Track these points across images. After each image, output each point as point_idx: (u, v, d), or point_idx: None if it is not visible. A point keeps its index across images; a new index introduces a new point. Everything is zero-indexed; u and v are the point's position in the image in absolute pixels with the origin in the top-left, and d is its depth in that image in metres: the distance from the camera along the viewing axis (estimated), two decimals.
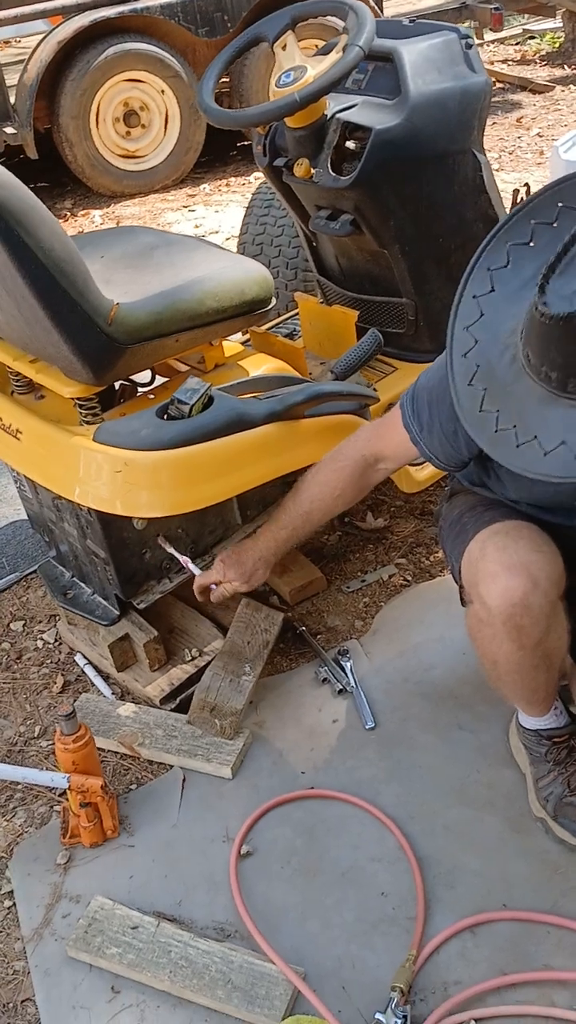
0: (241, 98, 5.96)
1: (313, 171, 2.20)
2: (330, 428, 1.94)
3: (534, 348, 1.31)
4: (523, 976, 1.55)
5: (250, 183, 5.95)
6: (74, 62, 5.47)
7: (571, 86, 7.40)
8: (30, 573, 2.62)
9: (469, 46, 2.21)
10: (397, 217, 2.23)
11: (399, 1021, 1.47)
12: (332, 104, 2.21)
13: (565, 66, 8.11)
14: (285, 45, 2.18)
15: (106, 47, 5.46)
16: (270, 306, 2.04)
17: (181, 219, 5.47)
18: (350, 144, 2.17)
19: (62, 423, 1.95)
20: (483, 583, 1.54)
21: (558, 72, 7.97)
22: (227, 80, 6.04)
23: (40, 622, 2.46)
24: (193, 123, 5.86)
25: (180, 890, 1.75)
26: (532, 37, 9.21)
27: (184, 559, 2.00)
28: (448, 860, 1.75)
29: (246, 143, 6.51)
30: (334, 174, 2.17)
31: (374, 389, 2.30)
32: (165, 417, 1.80)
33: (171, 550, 1.98)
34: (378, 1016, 1.49)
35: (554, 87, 7.34)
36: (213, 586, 2.00)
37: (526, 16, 9.38)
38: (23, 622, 2.46)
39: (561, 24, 8.68)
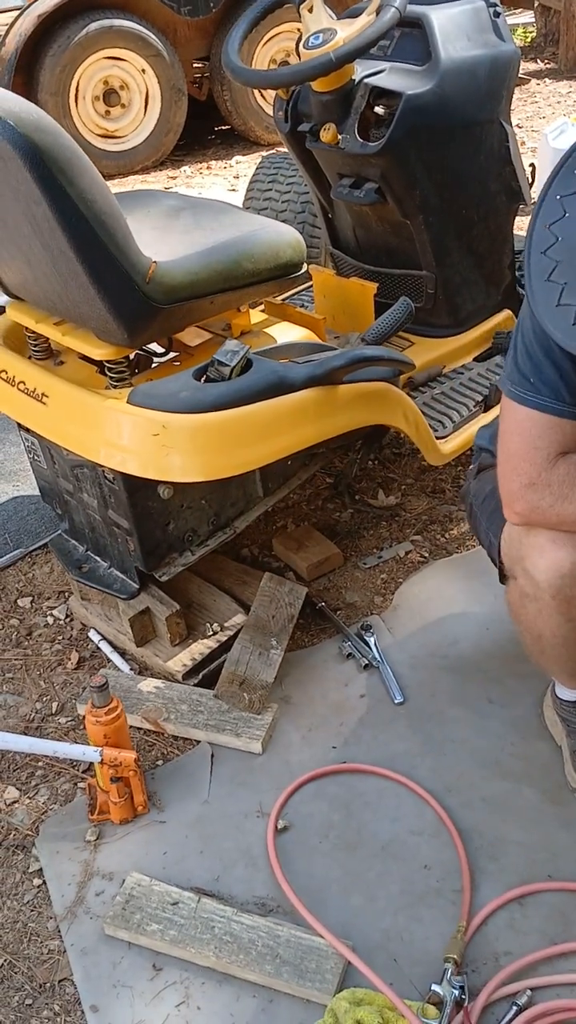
0: (222, 80, 5.89)
1: (340, 137, 2.16)
2: (367, 394, 1.90)
3: None
4: (573, 946, 1.53)
5: (231, 166, 5.89)
6: (54, 37, 5.36)
7: (546, 79, 7.46)
8: (35, 549, 2.54)
9: (497, 14, 2.19)
10: (422, 186, 2.20)
11: (456, 991, 1.45)
12: (359, 69, 2.17)
13: (538, 60, 8.18)
14: (311, 7, 2.13)
15: (87, 22, 5.36)
16: (303, 270, 2.00)
17: None
18: (378, 110, 2.14)
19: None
20: (528, 557, 1.51)
21: (532, 66, 8.03)
22: (201, 65, 5.97)
23: (48, 598, 2.39)
24: (174, 104, 5.78)
25: (217, 866, 1.71)
26: None
27: None
28: (489, 832, 1.72)
29: (225, 127, 6.44)
30: (361, 140, 2.13)
31: None
32: (203, 380, 1.74)
33: None
34: (434, 987, 1.46)
35: (529, 80, 7.39)
36: None
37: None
38: (31, 598, 2.39)
39: (533, 19, 8.75)
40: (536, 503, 1.45)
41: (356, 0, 6.01)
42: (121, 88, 5.68)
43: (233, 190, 5.38)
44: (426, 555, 2.43)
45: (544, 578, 1.47)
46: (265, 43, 5.76)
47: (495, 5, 2.19)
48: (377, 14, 1.98)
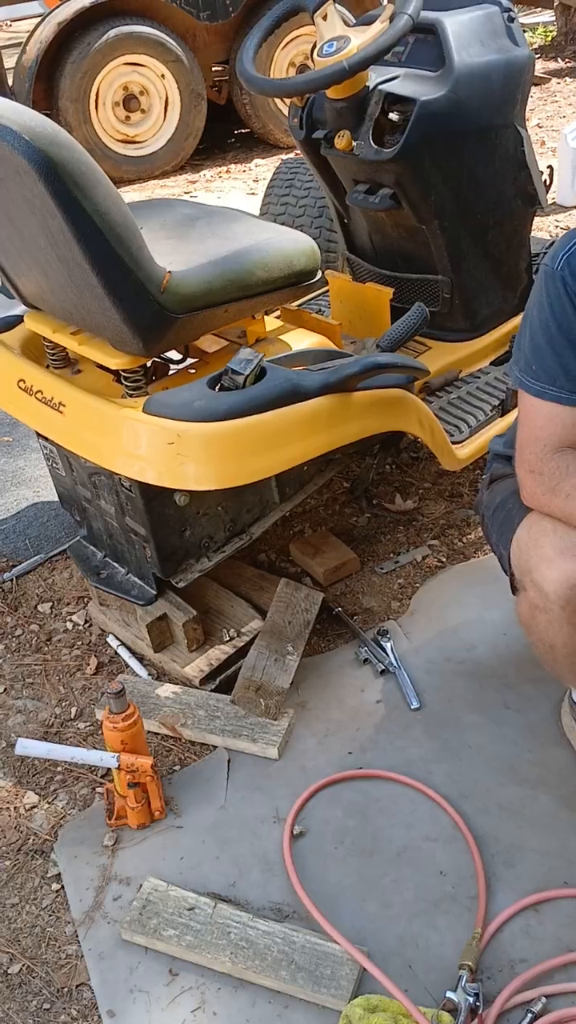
0: (241, 84, 5.90)
1: (354, 143, 2.17)
2: (381, 401, 1.90)
3: None
4: None
5: (250, 170, 5.91)
6: (74, 44, 5.40)
7: (566, 78, 7.41)
8: (55, 555, 2.57)
9: (511, 19, 2.19)
10: (438, 191, 2.20)
11: (471, 999, 1.45)
12: (373, 76, 2.18)
13: (559, 59, 8.12)
14: (326, 15, 2.14)
15: (107, 29, 5.40)
16: (317, 277, 2.01)
17: None
18: (392, 116, 2.14)
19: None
20: (537, 569, 1.51)
21: (552, 65, 7.97)
22: (220, 69, 5.99)
23: (68, 604, 2.41)
24: (193, 109, 5.80)
25: (233, 871, 1.72)
26: (524, 30, 9.22)
27: None
28: (505, 838, 1.72)
29: (244, 130, 6.46)
30: (376, 146, 2.14)
31: None
32: (217, 388, 1.76)
33: None
34: (449, 994, 1.46)
35: (550, 79, 7.34)
36: None
37: (518, 8, 9.39)
38: (51, 604, 2.41)
39: (554, 18, 8.69)
40: (532, 489, 1.52)
41: (374, 3, 6.01)
42: (141, 93, 5.71)
43: (252, 193, 5.39)
44: (443, 560, 2.43)
45: (553, 589, 1.47)
46: (285, 46, 5.77)
47: (509, 10, 2.19)
48: (390, 21, 1.98)
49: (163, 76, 5.66)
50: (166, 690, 2.04)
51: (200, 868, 1.73)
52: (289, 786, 1.86)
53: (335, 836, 1.76)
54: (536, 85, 7.24)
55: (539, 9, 9.03)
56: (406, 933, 1.59)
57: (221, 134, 6.47)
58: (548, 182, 2.88)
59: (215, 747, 1.95)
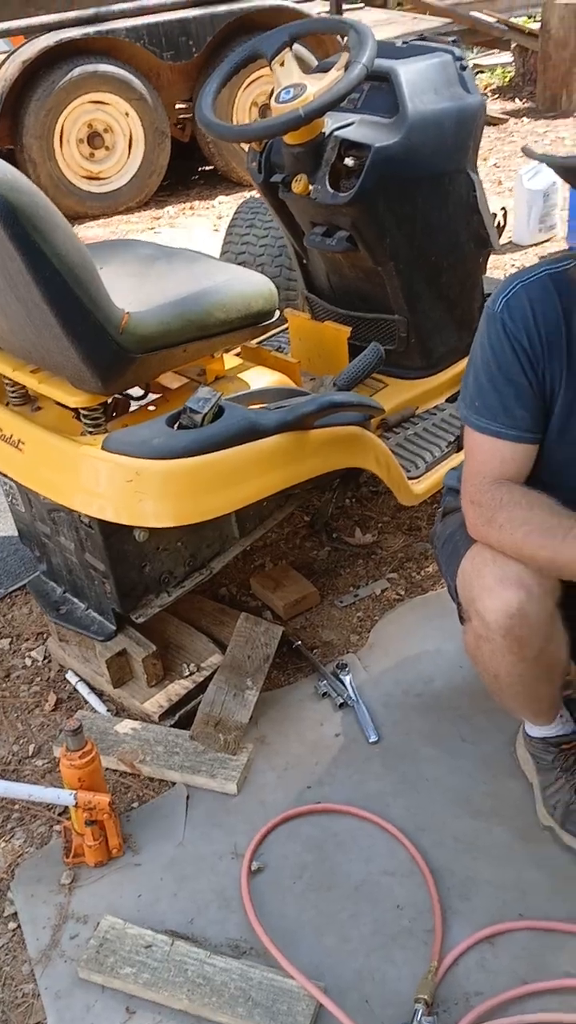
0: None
1: (311, 187, 2.22)
2: (338, 439, 1.94)
3: None
4: (544, 985, 1.55)
5: (214, 207, 5.97)
6: (38, 82, 5.44)
7: (524, 118, 7.59)
8: (15, 590, 2.56)
9: (463, 67, 2.26)
10: (392, 235, 2.26)
11: None
12: (329, 122, 2.23)
13: (517, 99, 8.33)
14: (283, 62, 2.20)
15: (71, 68, 5.45)
16: (274, 318, 2.05)
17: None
18: (348, 161, 2.19)
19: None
20: (479, 599, 1.55)
21: (510, 105, 8.17)
22: (184, 107, 6.07)
23: (27, 639, 2.41)
24: (157, 146, 5.86)
25: (191, 908, 1.72)
26: (482, 71, 9.45)
27: None
28: (461, 871, 1.74)
29: (208, 168, 6.53)
30: (332, 190, 2.19)
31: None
32: (176, 427, 1.78)
33: None
34: None
35: (508, 119, 7.52)
36: None
37: (476, 50, 9.63)
38: (9, 640, 2.41)
39: (512, 59, 8.92)
40: (474, 521, 1.56)
41: (335, 45, 6.13)
42: (105, 131, 5.76)
43: (216, 230, 5.45)
44: (402, 593, 2.46)
45: (494, 619, 1.50)
46: (247, 87, 5.86)
47: (461, 58, 2.27)
48: (345, 70, 2.04)
49: (127, 114, 5.72)
50: (125, 726, 2.05)
51: (158, 905, 1.73)
52: (248, 821, 1.86)
53: (293, 871, 1.77)
54: (494, 125, 7.42)
55: (497, 51, 9.27)
56: (363, 967, 1.60)
57: (185, 171, 6.54)
58: (502, 224, 2.96)
59: (174, 783, 1.95)
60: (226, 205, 5.94)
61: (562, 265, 1.49)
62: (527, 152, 1.43)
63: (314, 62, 5.46)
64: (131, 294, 1.88)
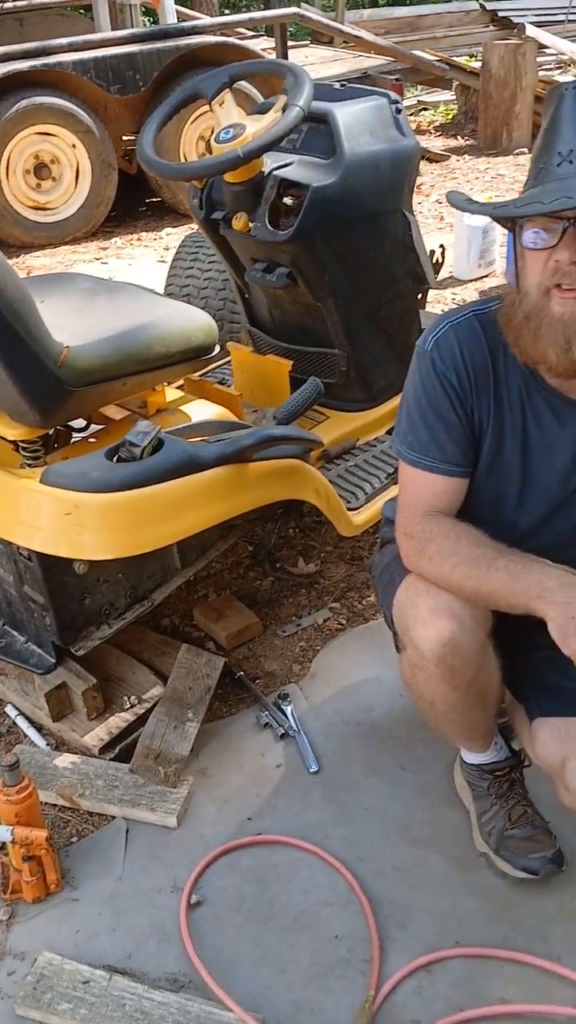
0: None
1: (251, 225, 2.26)
2: (277, 471, 1.97)
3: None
4: (479, 1012, 1.56)
5: (161, 238, 6.02)
6: None
7: (465, 156, 7.78)
8: None
9: (399, 111, 2.32)
10: (331, 271, 2.30)
11: None
12: (269, 161, 2.28)
13: (458, 137, 8.53)
14: (223, 102, 2.24)
15: (18, 99, 5.48)
16: (214, 352, 2.08)
17: (93, 272, 5.46)
18: (287, 200, 2.24)
19: None
20: (413, 628, 1.58)
21: (452, 143, 8.37)
22: (132, 138, 6.13)
23: None
24: (104, 178, 5.90)
25: (129, 942, 1.71)
26: (425, 108, 9.68)
27: None
28: (399, 900, 1.76)
29: (156, 199, 6.59)
30: (272, 228, 2.24)
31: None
32: (115, 460, 1.80)
33: None
34: None
35: (449, 156, 7.70)
36: None
37: (419, 88, 9.87)
38: None
39: (454, 97, 9.15)
40: (407, 552, 1.59)
41: (280, 84, 6.26)
42: (52, 162, 5.79)
43: (163, 261, 5.49)
44: (344, 622, 2.48)
45: (428, 648, 1.53)
46: (193, 122, 5.94)
47: (396, 102, 2.33)
48: (283, 112, 2.09)
49: (74, 146, 5.76)
50: (64, 760, 2.03)
51: (96, 940, 1.72)
52: (187, 855, 1.86)
53: (233, 904, 1.77)
54: (436, 162, 7.59)
55: (440, 89, 9.51)
56: (301, 999, 1.60)
57: (133, 202, 6.59)
58: (440, 261, 3.04)
59: (113, 817, 1.94)
60: (173, 237, 5.99)
61: (488, 307, 1.54)
62: (451, 201, 1.48)
63: (260, 99, 5.55)
64: (71, 328, 1.90)
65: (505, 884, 1.77)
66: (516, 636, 1.60)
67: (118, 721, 2.10)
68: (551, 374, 1.48)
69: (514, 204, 1.38)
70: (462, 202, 1.46)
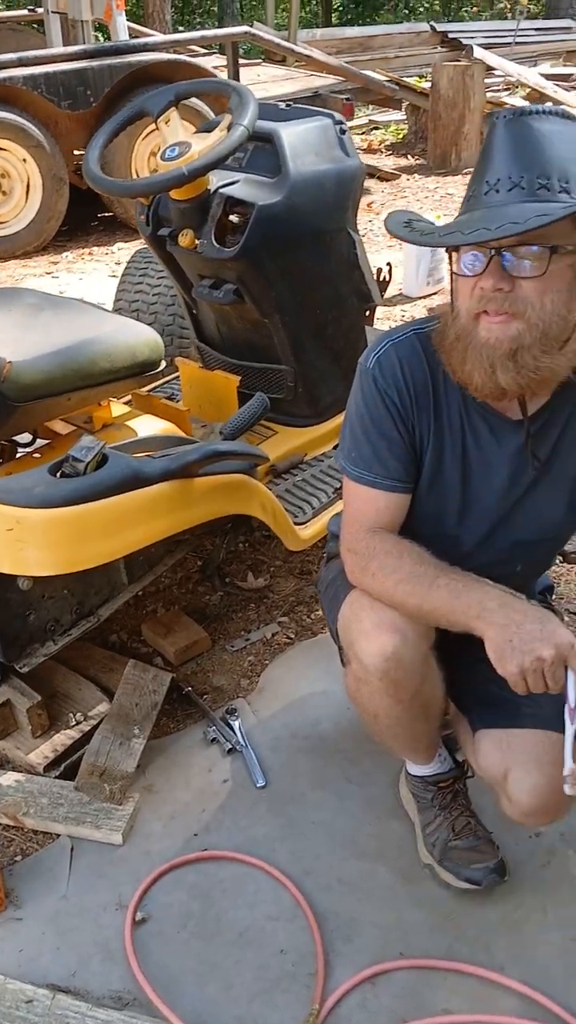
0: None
1: (197, 242, 2.27)
2: (223, 486, 1.98)
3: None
4: (423, 1023, 1.58)
5: (113, 252, 6.02)
6: None
7: (415, 175, 7.89)
8: None
9: (343, 131, 2.36)
10: (277, 288, 2.32)
11: None
12: (215, 179, 2.30)
13: (408, 156, 8.65)
14: (169, 120, 2.26)
15: None
16: (160, 368, 2.08)
17: (44, 286, 5.45)
18: (233, 218, 2.26)
19: None
20: (357, 642, 1.60)
21: (402, 162, 8.49)
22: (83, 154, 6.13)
23: None
24: (55, 192, 5.89)
25: (73, 961, 1.70)
26: (376, 128, 9.80)
27: None
28: (345, 913, 1.76)
29: (108, 214, 6.59)
30: (218, 245, 2.25)
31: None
32: (58, 475, 1.79)
33: None
34: None
35: (400, 175, 7.80)
36: None
37: (370, 107, 10.00)
38: None
39: (404, 116, 9.28)
40: (351, 567, 1.61)
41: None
42: (2, 176, 5.77)
43: (114, 275, 5.49)
44: (292, 636, 2.49)
45: (371, 662, 1.55)
46: (145, 137, 5.95)
47: (341, 123, 2.37)
48: (228, 131, 2.11)
49: (25, 160, 5.74)
50: (8, 778, 2.01)
51: (40, 959, 1.70)
52: (133, 872, 1.85)
53: (178, 920, 1.76)
54: (387, 181, 7.69)
55: (390, 108, 9.64)
56: (245, 1014, 1.60)
57: (84, 217, 6.58)
58: (388, 279, 3.08)
59: (58, 835, 1.93)
60: (125, 252, 5.99)
61: (428, 325, 1.56)
62: (388, 226, 1.50)
63: (211, 116, 5.59)
64: (14, 343, 1.89)
65: (449, 895, 1.79)
66: (458, 649, 1.62)
67: (63, 739, 2.09)
68: (478, 395, 1.50)
69: (439, 233, 1.41)
70: (397, 227, 1.48)
